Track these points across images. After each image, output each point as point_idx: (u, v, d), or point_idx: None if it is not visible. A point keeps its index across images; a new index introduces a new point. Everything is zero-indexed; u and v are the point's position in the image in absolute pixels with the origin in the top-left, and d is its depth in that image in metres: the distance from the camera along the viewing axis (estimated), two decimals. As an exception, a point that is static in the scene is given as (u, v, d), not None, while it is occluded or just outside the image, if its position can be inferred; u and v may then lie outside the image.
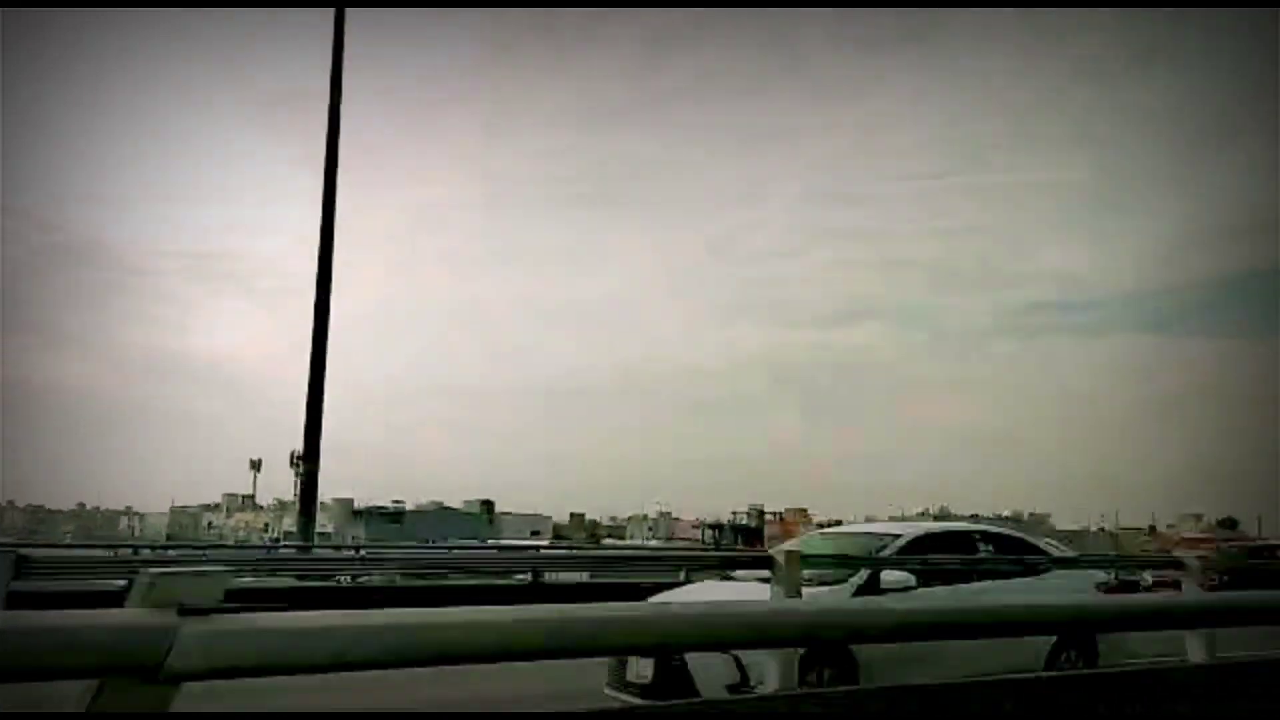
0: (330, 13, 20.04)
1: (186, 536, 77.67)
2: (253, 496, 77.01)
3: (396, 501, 68.08)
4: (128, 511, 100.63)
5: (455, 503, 72.70)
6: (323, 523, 64.80)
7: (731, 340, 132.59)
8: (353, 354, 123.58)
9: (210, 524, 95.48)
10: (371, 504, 66.78)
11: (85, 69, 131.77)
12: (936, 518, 78.17)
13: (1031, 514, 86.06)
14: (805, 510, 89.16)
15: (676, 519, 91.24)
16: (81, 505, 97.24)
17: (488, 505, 70.25)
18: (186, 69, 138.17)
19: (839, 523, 43.57)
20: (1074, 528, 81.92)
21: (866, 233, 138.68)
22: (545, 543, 42.16)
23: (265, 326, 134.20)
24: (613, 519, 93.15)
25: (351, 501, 64.96)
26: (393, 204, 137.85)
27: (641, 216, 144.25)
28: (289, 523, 66.41)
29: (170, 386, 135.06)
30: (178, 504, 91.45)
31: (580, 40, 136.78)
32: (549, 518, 79.89)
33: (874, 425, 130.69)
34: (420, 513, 65.13)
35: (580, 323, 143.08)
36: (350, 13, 20.27)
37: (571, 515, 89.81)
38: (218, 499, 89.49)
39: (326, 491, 63.78)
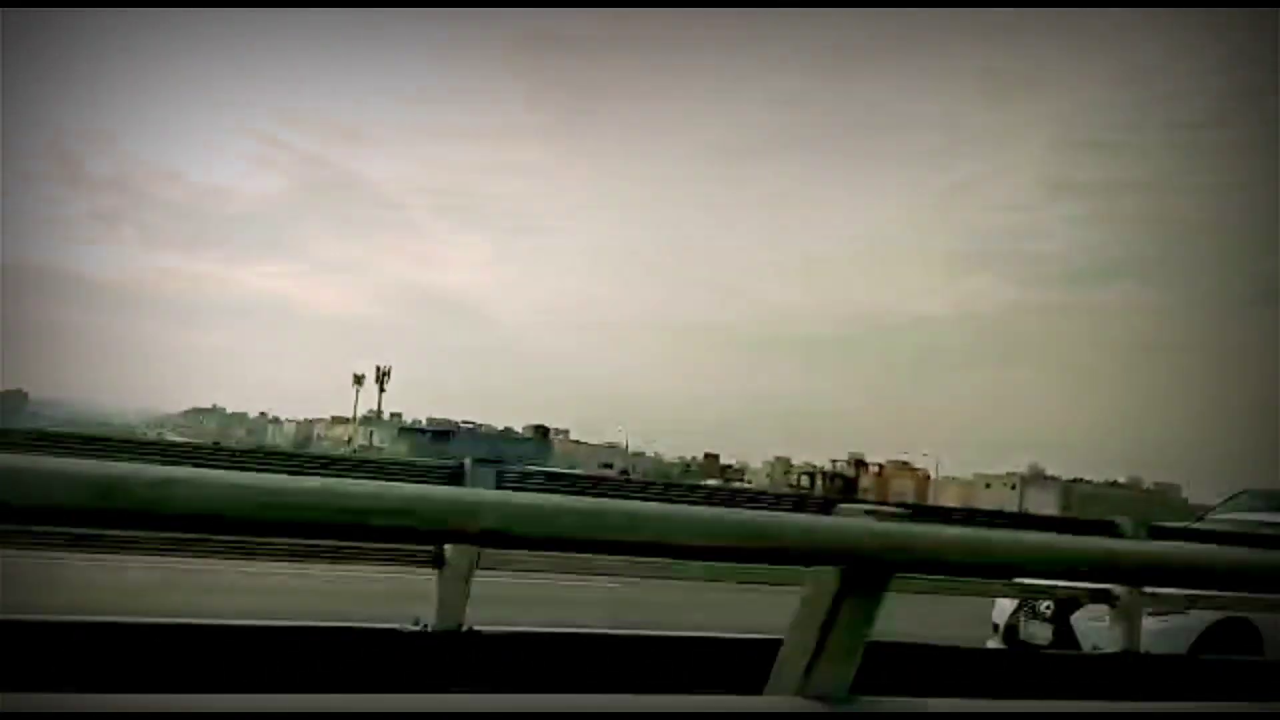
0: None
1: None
2: (354, 412, 76.95)
3: (448, 421, 66.28)
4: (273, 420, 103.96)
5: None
6: (382, 438, 63.53)
7: (965, 292, 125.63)
8: (582, 289, 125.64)
9: (319, 435, 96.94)
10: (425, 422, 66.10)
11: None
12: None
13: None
14: (907, 463, 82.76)
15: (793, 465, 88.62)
16: (262, 414, 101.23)
17: (542, 430, 67.50)
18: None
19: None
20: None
21: (1119, 184, 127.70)
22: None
23: (499, 259, 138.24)
24: (740, 463, 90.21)
25: (400, 417, 64.55)
26: (633, 150, 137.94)
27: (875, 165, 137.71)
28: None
29: (411, 314, 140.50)
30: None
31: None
32: (626, 449, 77.65)
33: (1064, 383, 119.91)
34: (471, 434, 63.02)
35: (812, 271, 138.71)
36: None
37: (706, 455, 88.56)
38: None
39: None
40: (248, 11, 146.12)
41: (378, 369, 66.44)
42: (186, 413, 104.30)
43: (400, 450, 55.68)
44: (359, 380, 66.96)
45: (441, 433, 61.10)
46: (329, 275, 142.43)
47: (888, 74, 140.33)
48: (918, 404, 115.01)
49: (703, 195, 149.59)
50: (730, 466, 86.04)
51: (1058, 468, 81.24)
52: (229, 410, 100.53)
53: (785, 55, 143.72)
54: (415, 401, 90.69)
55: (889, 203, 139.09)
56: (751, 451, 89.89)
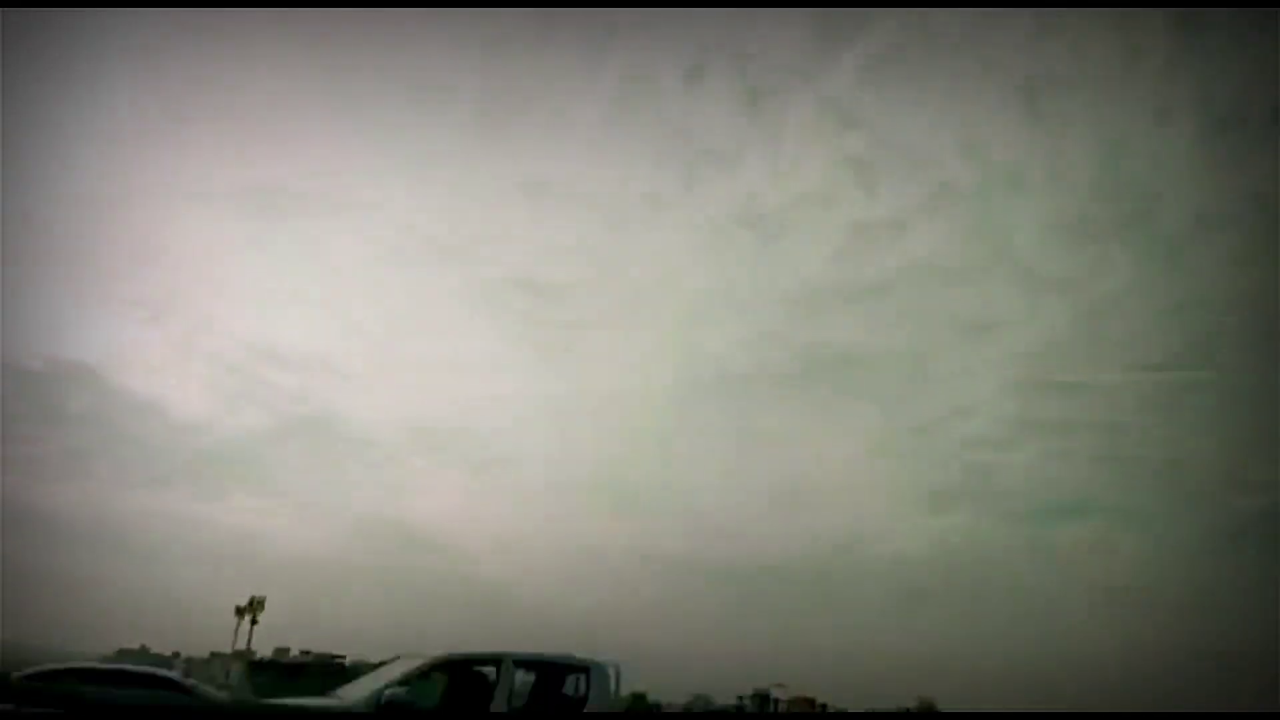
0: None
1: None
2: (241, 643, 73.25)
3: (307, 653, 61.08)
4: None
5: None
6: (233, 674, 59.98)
7: (938, 529, 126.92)
8: (549, 520, 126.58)
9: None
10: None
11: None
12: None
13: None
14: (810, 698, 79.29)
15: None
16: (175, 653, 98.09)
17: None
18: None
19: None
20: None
21: (1084, 424, 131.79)
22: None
23: (471, 492, 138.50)
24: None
25: (253, 652, 61.18)
26: (609, 383, 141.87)
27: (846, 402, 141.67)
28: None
29: (382, 549, 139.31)
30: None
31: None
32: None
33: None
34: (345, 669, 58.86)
35: (783, 505, 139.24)
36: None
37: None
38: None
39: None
40: (229, 248, 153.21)
41: (251, 599, 62.22)
42: (118, 652, 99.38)
43: (235, 685, 51.71)
44: (241, 612, 62.78)
45: (296, 666, 55.87)
46: (300, 511, 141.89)
47: (856, 315, 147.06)
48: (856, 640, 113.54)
49: (673, 427, 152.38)
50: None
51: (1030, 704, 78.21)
52: (152, 650, 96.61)
53: (760, 300, 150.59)
54: (353, 638, 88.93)
55: (859, 439, 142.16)
56: (713, 683, 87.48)
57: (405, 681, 13.14)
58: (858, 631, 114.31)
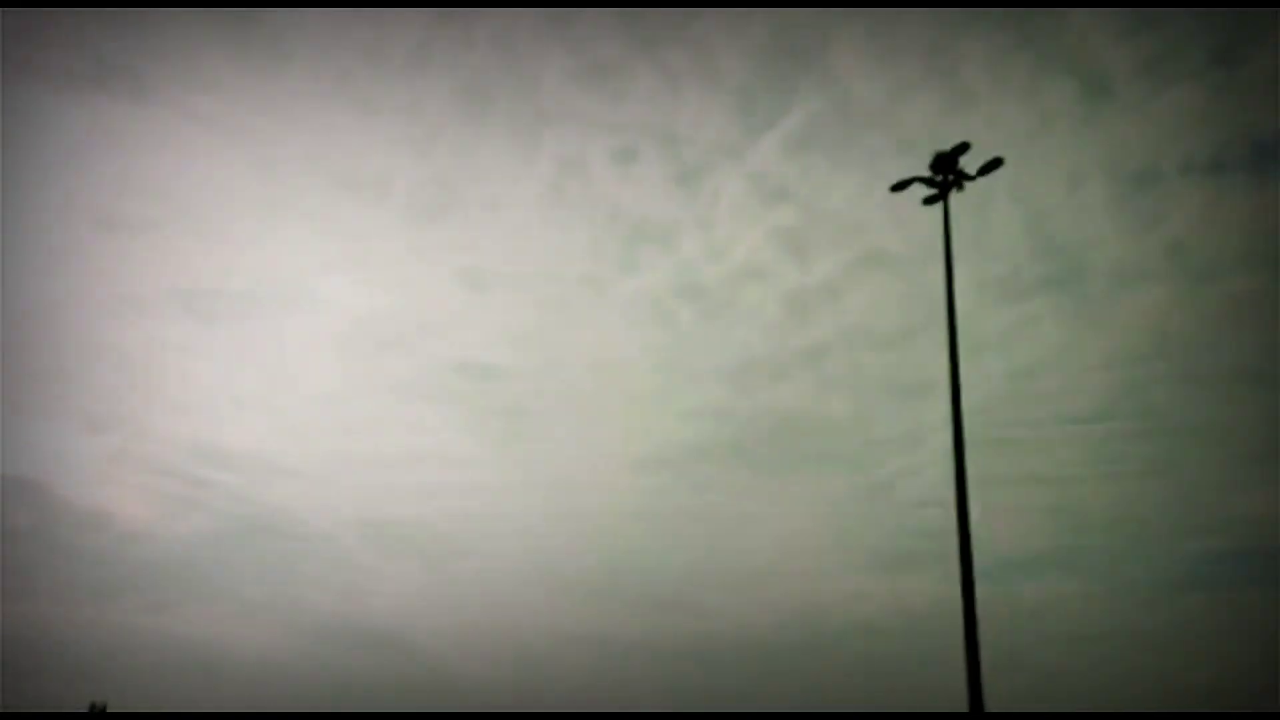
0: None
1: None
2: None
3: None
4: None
5: None
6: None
7: (897, 591, 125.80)
8: (509, 611, 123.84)
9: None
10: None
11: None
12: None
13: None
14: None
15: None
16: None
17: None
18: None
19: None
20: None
21: (1029, 478, 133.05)
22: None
23: (429, 585, 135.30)
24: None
25: None
26: (570, 466, 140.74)
27: (795, 469, 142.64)
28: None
29: (338, 650, 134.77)
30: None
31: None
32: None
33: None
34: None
35: (743, 578, 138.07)
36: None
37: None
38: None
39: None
40: (165, 352, 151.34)
41: (91, 705, 59.71)
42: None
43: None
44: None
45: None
46: (253, 615, 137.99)
47: (797, 383, 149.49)
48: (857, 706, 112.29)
49: (633, 505, 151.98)
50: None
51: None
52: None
53: (703, 373, 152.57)
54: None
55: (811, 505, 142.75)
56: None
57: None
58: (825, 704, 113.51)
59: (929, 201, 26.54)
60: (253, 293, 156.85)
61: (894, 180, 26.98)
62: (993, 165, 25.24)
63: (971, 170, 25.62)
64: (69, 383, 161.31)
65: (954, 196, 26.22)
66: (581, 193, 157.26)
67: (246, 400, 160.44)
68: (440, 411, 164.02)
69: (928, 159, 26.77)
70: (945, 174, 26.23)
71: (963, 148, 25.71)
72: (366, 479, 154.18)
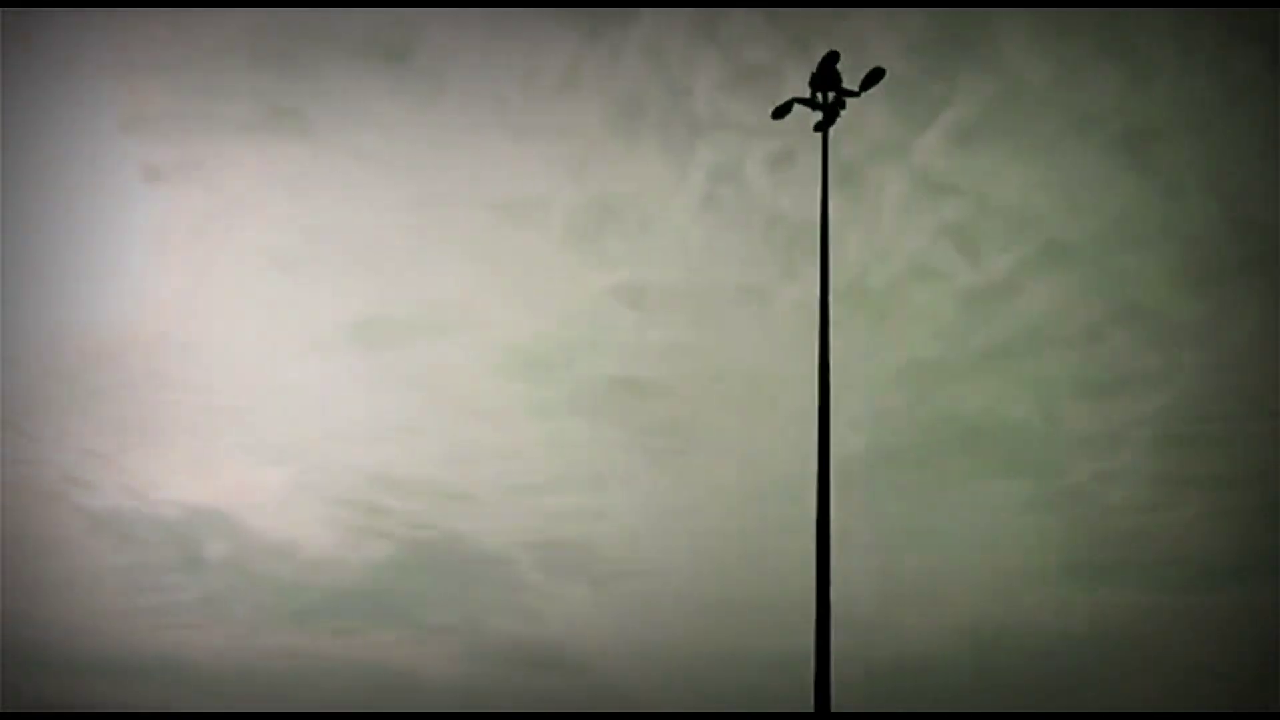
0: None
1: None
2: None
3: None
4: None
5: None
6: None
7: (1093, 604, 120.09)
8: (678, 633, 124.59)
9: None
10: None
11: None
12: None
13: None
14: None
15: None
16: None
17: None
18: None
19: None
20: None
21: (1232, 480, 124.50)
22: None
23: (597, 608, 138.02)
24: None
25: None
26: (735, 480, 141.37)
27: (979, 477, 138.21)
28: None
29: (515, 673, 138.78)
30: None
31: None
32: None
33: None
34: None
35: (917, 593, 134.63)
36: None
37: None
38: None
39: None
40: (338, 383, 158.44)
41: None
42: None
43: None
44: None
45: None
46: (433, 639, 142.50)
47: (976, 386, 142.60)
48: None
49: (803, 519, 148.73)
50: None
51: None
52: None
53: (872, 380, 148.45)
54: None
55: (995, 515, 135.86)
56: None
57: None
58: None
59: (818, 128, 24.10)
60: (416, 320, 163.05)
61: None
62: (874, 77, 22.91)
63: (854, 86, 23.36)
64: (253, 417, 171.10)
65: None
66: (737, 201, 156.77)
67: (416, 427, 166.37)
68: (601, 431, 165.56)
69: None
70: (825, 91, 23.73)
71: (833, 56, 23.37)
72: (534, 501, 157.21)
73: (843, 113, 24.60)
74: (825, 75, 23.30)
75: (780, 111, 24.55)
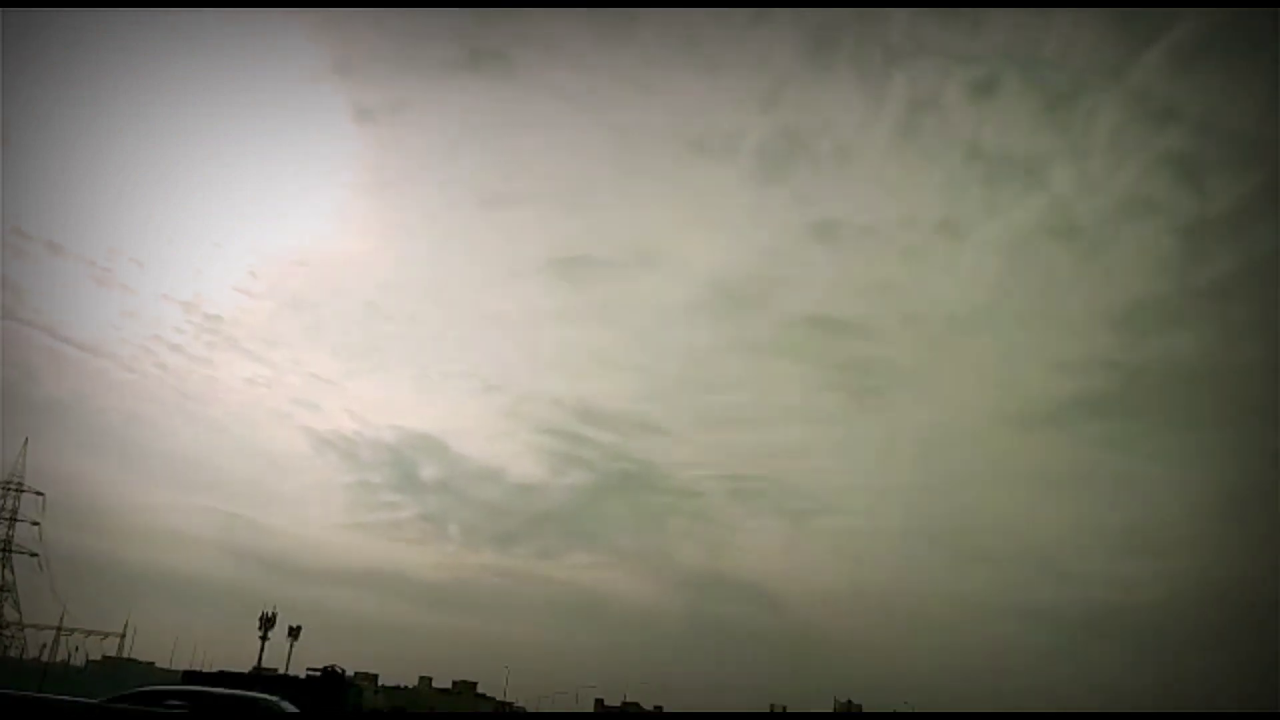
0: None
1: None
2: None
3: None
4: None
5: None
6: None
7: None
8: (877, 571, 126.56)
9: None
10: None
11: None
12: None
13: None
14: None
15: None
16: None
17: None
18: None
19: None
20: None
21: None
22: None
23: (794, 542, 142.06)
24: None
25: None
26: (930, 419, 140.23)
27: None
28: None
29: (705, 600, 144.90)
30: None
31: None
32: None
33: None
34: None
35: (1141, 542, 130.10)
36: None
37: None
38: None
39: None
40: (543, 318, 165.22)
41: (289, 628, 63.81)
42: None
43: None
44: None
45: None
46: (628, 563, 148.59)
47: (1195, 328, 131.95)
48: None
49: (1006, 464, 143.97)
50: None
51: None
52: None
53: (1081, 320, 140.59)
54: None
55: (1212, 467, 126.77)
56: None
57: None
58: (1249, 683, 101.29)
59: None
60: (615, 258, 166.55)
61: None
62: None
63: None
64: (464, 348, 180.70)
65: None
66: (936, 132, 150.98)
67: (616, 361, 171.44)
68: (796, 368, 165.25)
69: None
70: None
71: None
72: (728, 436, 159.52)
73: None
74: None
75: None
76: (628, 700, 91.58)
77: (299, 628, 63.14)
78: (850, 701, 62.04)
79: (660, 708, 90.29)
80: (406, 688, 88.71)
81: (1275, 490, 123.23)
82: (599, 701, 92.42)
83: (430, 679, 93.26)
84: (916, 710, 66.18)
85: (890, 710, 61.23)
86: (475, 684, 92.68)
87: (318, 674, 41.72)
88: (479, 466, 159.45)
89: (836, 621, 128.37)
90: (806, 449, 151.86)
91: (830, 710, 62.57)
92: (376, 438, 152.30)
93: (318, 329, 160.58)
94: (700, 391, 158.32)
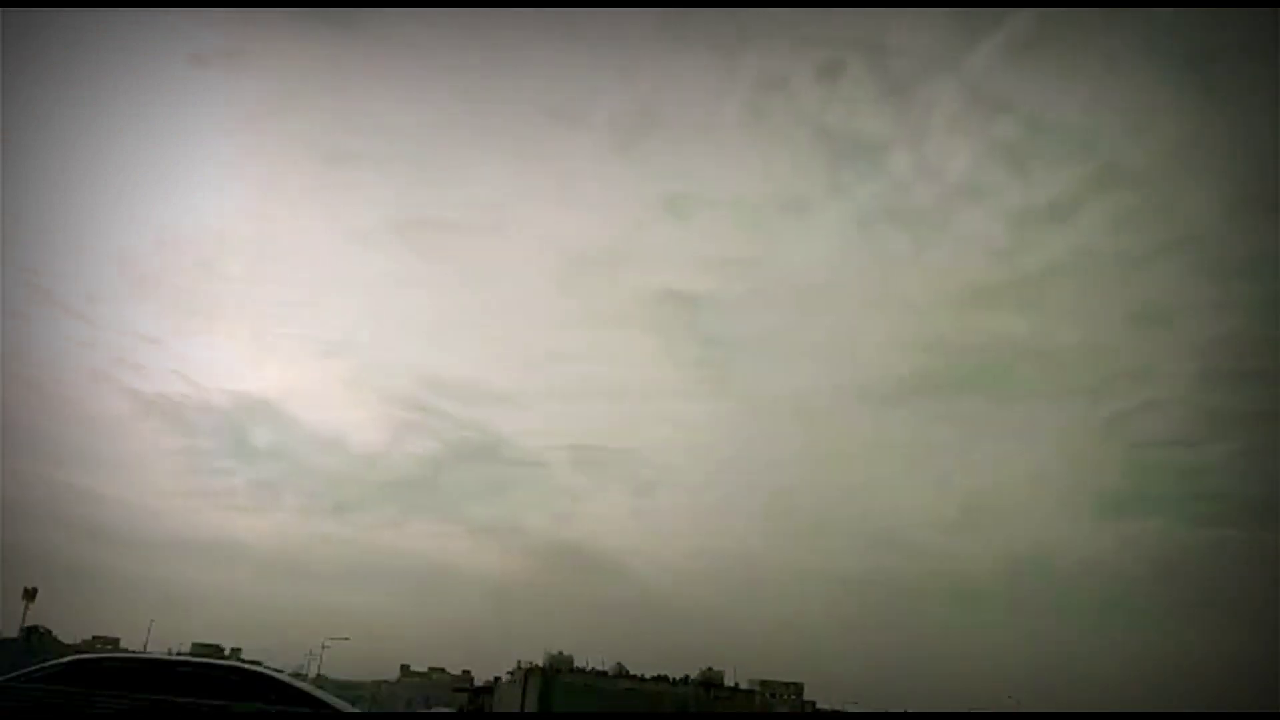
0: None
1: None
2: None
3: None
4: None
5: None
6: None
7: (1130, 534, 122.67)
8: (721, 540, 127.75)
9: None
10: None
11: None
12: None
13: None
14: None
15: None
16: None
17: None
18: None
19: None
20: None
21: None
22: None
23: (640, 512, 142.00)
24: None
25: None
26: (772, 398, 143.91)
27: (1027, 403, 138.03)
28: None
29: (552, 570, 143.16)
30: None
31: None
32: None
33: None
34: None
35: (968, 516, 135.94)
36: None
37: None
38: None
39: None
40: (390, 282, 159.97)
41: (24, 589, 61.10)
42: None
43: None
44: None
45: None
46: (476, 534, 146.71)
47: (1024, 310, 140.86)
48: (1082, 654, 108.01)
49: (849, 438, 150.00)
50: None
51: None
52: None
53: (918, 301, 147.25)
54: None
55: (1037, 441, 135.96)
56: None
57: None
58: (1052, 643, 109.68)
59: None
60: (465, 223, 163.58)
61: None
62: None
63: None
64: (304, 310, 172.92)
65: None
66: (785, 111, 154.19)
67: (463, 329, 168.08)
68: (645, 340, 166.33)
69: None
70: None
71: None
72: (577, 406, 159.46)
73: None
74: None
75: None
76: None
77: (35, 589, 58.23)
78: (711, 668, 63.38)
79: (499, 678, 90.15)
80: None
81: (1100, 461, 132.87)
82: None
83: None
84: (783, 682, 68.72)
85: (737, 685, 63.21)
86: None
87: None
88: (318, 433, 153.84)
89: (685, 590, 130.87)
90: (654, 420, 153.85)
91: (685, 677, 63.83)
92: (207, 401, 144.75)
93: (142, 285, 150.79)
94: (549, 361, 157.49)
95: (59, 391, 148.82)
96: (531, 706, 54.86)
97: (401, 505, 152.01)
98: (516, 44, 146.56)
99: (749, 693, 65.56)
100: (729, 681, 64.90)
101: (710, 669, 64.09)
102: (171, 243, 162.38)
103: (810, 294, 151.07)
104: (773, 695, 67.98)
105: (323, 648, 67.27)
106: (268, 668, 16.79)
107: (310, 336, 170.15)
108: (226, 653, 77.14)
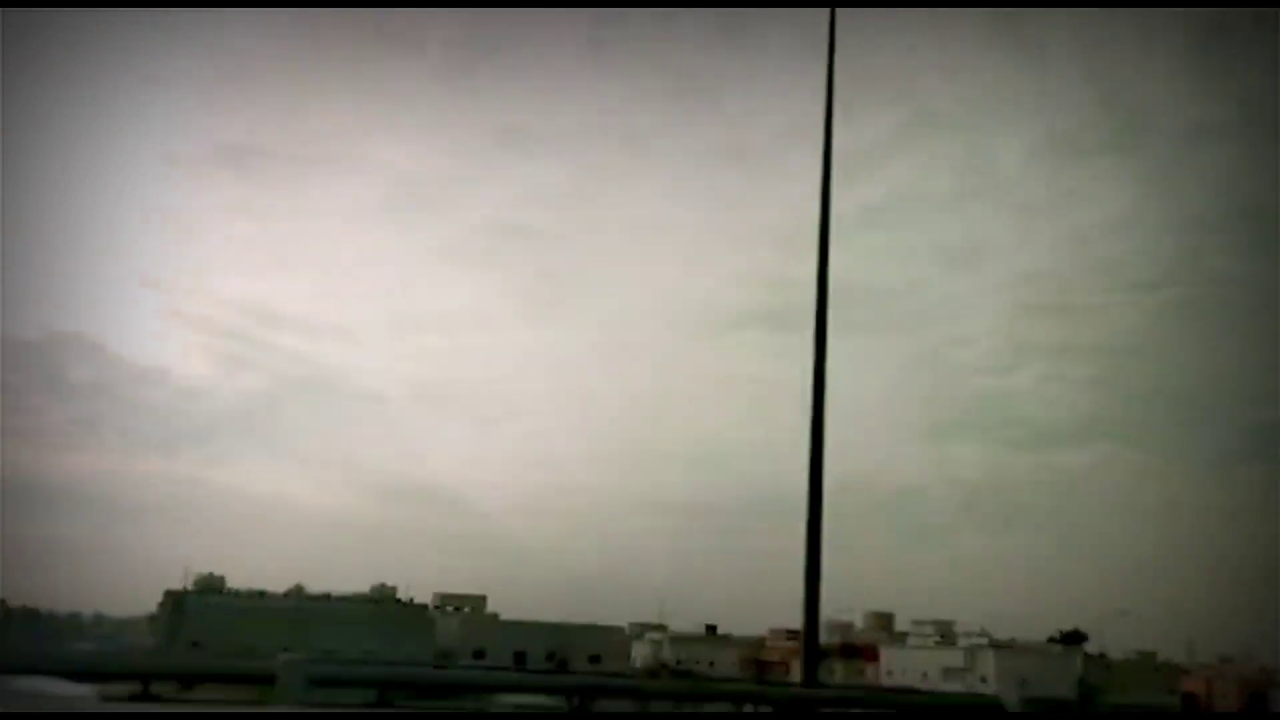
0: None
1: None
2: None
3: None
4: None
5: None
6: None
7: (943, 459, 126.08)
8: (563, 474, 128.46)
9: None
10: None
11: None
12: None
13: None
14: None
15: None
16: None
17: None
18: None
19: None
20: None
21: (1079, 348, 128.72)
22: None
23: (480, 447, 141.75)
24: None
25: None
26: (611, 329, 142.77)
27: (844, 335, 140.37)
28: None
29: (394, 506, 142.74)
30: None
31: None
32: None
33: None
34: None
35: (793, 445, 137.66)
36: None
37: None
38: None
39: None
40: (215, 213, 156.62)
41: None
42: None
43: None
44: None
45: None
46: (313, 471, 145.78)
47: (847, 249, 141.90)
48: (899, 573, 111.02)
49: (680, 370, 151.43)
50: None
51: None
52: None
53: (748, 237, 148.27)
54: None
55: (860, 373, 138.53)
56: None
57: None
58: (873, 561, 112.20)
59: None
60: (294, 152, 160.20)
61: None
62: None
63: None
64: (119, 240, 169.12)
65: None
66: (622, 45, 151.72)
67: (295, 261, 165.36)
68: (483, 274, 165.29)
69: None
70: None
71: None
72: (414, 341, 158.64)
73: None
74: None
75: None
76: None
77: None
78: (384, 584, 64.12)
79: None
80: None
81: (909, 393, 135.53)
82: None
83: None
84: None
85: (412, 599, 63.95)
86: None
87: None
88: (138, 367, 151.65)
89: (528, 523, 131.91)
90: (492, 355, 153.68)
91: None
92: (15, 336, 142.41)
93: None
94: (382, 295, 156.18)
95: None
96: (163, 635, 55.21)
97: (233, 441, 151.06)
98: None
99: (421, 607, 66.07)
100: (404, 598, 65.53)
101: (384, 585, 64.64)
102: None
103: (645, 229, 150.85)
104: (453, 609, 68.59)
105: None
106: None
107: (127, 266, 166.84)
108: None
